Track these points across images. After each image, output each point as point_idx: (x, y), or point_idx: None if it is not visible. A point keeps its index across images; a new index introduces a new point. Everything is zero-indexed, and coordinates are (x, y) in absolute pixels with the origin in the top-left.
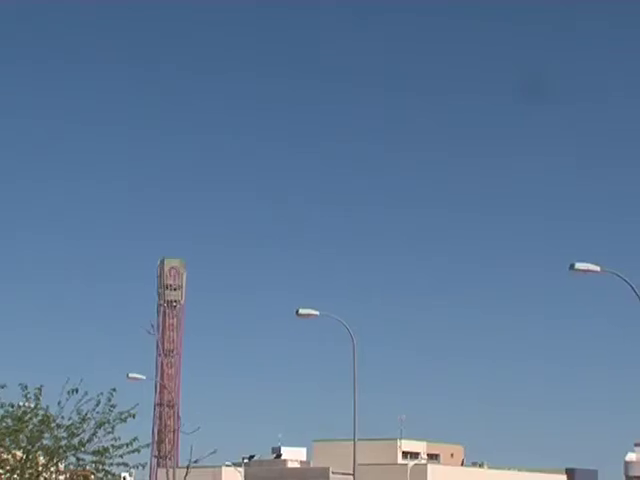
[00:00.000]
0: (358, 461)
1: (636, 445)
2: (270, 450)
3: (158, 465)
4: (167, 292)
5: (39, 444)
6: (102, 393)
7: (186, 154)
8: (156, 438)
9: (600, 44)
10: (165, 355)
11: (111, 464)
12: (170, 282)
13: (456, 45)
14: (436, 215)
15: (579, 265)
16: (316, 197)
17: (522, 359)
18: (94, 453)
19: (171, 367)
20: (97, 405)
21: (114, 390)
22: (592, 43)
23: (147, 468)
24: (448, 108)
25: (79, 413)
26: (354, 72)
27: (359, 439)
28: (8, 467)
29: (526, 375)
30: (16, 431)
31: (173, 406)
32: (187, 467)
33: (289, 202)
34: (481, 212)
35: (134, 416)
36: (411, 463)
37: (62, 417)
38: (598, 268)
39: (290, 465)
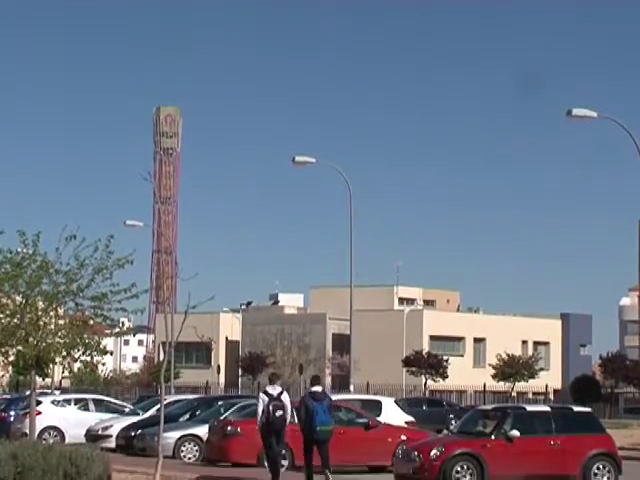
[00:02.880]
0: (355, 307)
1: (630, 290)
2: (267, 297)
3: (156, 311)
4: (163, 140)
5: (38, 289)
6: (100, 240)
7: (183, 2)
8: (154, 284)
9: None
10: (162, 202)
11: (110, 309)
12: (166, 129)
13: None
14: (435, 73)
15: (576, 111)
16: (313, 47)
17: (518, 207)
18: (93, 299)
19: (168, 214)
20: (95, 251)
21: (112, 237)
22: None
23: (145, 313)
24: None
25: (77, 259)
26: None
27: (356, 285)
28: (8, 312)
29: (522, 223)
30: (15, 276)
31: (170, 253)
32: (185, 313)
33: (287, 51)
34: (478, 65)
35: (132, 262)
36: (407, 309)
37: (60, 263)
38: (595, 114)
39: (287, 311)
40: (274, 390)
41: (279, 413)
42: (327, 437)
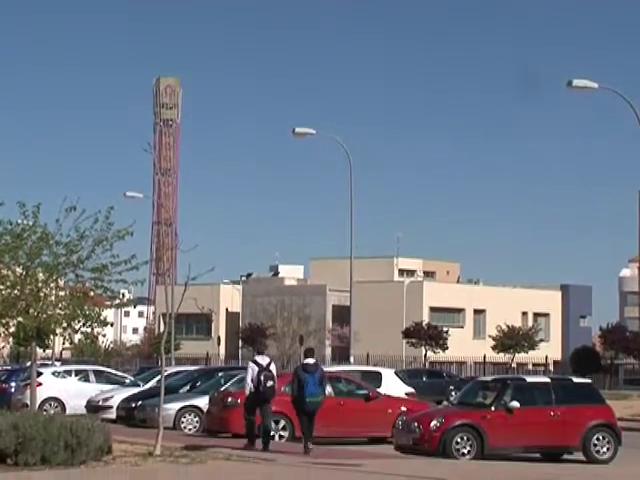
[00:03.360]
0: (355, 278)
1: (630, 261)
2: (268, 268)
3: (157, 282)
4: (163, 111)
5: (38, 261)
6: (100, 211)
7: None
8: (154, 256)
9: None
10: (162, 174)
11: (110, 281)
12: (166, 101)
13: None
14: (436, 44)
15: (577, 82)
16: (313, 19)
17: (519, 178)
18: (93, 270)
19: (168, 186)
20: (95, 223)
21: (112, 208)
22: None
23: (146, 285)
24: None
25: (77, 231)
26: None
27: (356, 257)
28: (8, 283)
29: (522, 194)
30: (15, 248)
31: (171, 224)
32: (185, 284)
33: (287, 23)
34: (478, 37)
35: (132, 234)
36: (407, 280)
37: (60, 235)
38: (595, 85)
39: (287, 283)
40: (263, 360)
41: (270, 383)
42: (316, 408)
